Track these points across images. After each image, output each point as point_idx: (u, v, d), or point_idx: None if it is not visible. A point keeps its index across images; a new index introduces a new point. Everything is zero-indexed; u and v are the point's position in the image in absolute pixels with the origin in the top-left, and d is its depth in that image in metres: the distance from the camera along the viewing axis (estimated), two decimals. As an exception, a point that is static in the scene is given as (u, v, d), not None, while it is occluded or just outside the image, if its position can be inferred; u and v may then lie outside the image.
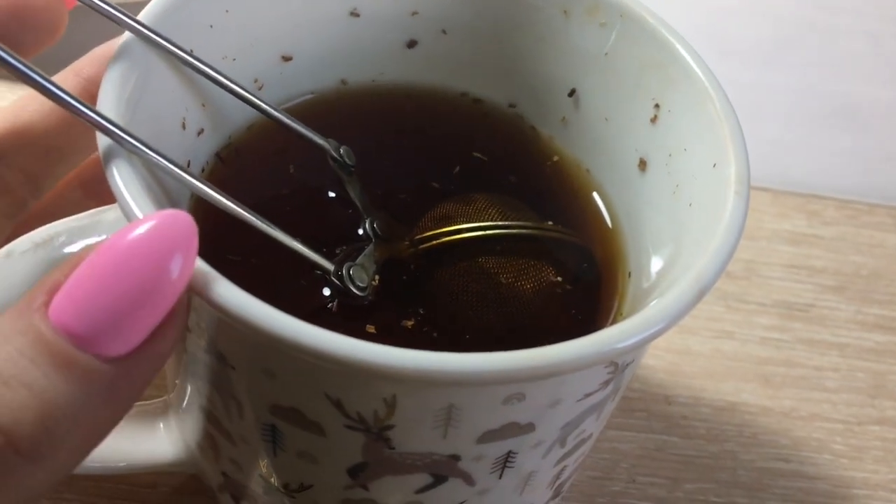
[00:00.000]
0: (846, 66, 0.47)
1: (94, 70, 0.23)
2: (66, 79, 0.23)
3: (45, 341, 0.16)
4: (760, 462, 0.32)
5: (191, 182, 0.20)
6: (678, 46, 0.23)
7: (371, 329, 0.22)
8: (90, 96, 0.20)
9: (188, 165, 0.23)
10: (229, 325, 0.18)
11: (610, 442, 0.31)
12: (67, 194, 0.25)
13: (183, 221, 0.16)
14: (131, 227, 0.16)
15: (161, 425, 0.26)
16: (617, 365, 0.20)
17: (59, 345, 0.16)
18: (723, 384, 0.33)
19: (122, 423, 0.25)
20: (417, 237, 0.25)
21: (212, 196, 0.20)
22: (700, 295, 0.19)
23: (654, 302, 0.19)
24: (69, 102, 0.18)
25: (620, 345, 0.18)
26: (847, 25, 0.50)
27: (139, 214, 0.18)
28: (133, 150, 0.19)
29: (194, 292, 0.17)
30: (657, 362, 0.34)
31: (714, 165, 0.21)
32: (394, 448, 0.20)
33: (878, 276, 0.38)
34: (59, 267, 0.17)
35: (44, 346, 0.16)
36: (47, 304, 0.16)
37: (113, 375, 0.16)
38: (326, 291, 0.23)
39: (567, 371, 0.18)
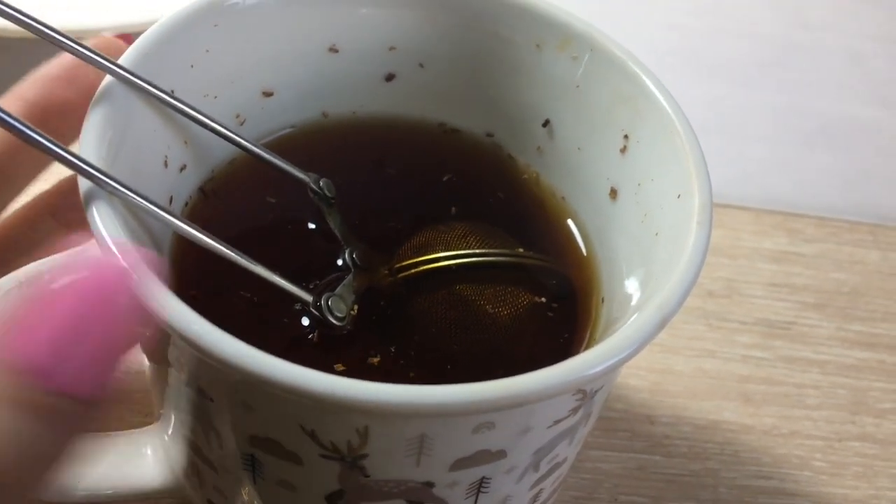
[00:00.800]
0: (827, 84, 0.48)
1: (35, 93, 0.23)
2: (9, 103, 0.23)
3: None
4: (742, 480, 0.32)
5: (170, 221, 0.20)
6: (646, 80, 0.24)
7: (348, 360, 0.23)
8: (36, 121, 0.20)
9: (170, 201, 0.24)
10: (205, 361, 0.18)
11: (592, 462, 0.32)
12: (39, 224, 0.25)
13: (112, 271, 0.17)
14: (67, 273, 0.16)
15: (148, 452, 0.26)
16: (585, 392, 0.21)
17: None
18: (705, 403, 0.34)
19: (109, 450, 0.26)
20: (397, 266, 0.26)
21: (191, 234, 0.21)
22: (662, 324, 0.19)
23: (619, 331, 0.20)
24: (48, 147, 0.19)
25: (584, 374, 0.19)
26: (828, 43, 0.50)
27: (118, 255, 0.18)
28: (113, 192, 0.20)
29: (170, 329, 0.18)
30: (640, 382, 0.34)
31: (679, 196, 0.22)
32: (369, 476, 0.20)
33: (859, 293, 0.38)
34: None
35: None
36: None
37: (71, 412, 0.16)
38: (306, 322, 0.24)
39: (533, 401, 0.18)
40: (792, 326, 0.37)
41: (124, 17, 0.38)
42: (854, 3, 0.53)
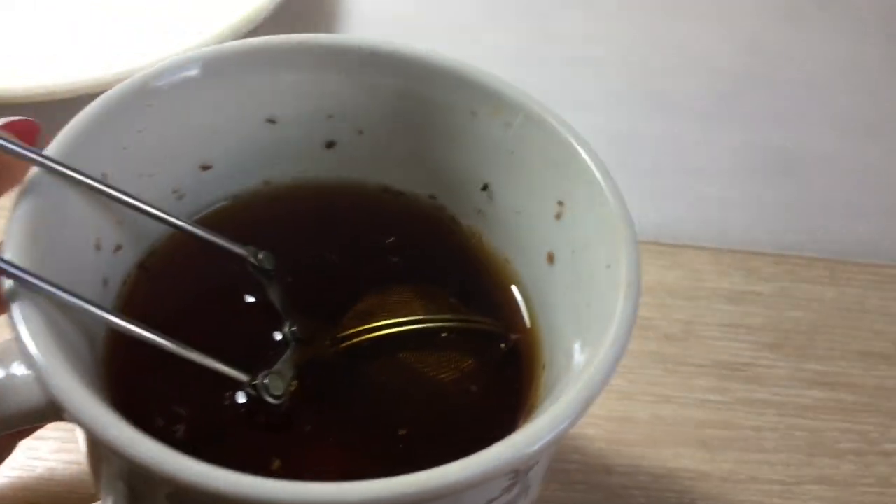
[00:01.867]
0: (784, 116, 0.48)
1: None
2: None
3: None
4: (700, 528, 0.32)
5: (98, 314, 0.20)
6: (576, 146, 0.24)
7: (285, 440, 0.23)
8: None
9: (105, 283, 0.24)
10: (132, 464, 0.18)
11: (550, 516, 0.32)
12: None
13: None
14: None
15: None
16: (518, 471, 0.21)
17: None
18: (662, 450, 0.34)
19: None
20: (339, 335, 0.26)
21: (119, 325, 0.21)
22: (587, 404, 0.19)
23: (549, 409, 0.20)
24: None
25: (511, 459, 0.19)
26: (785, 76, 0.51)
27: (34, 355, 0.18)
28: (38, 291, 0.20)
29: (88, 431, 0.18)
30: (597, 431, 0.34)
31: (608, 266, 0.22)
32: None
33: (816, 330, 0.38)
34: None
35: None
36: None
37: None
38: (244, 401, 0.24)
39: (463, 490, 0.18)
40: (749, 367, 0.37)
41: (61, 78, 0.38)
42: (809, 33, 0.54)
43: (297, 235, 0.28)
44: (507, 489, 0.21)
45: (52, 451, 0.31)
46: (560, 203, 0.25)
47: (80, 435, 0.22)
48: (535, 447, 0.19)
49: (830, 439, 0.35)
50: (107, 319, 0.21)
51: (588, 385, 0.19)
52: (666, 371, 0.36)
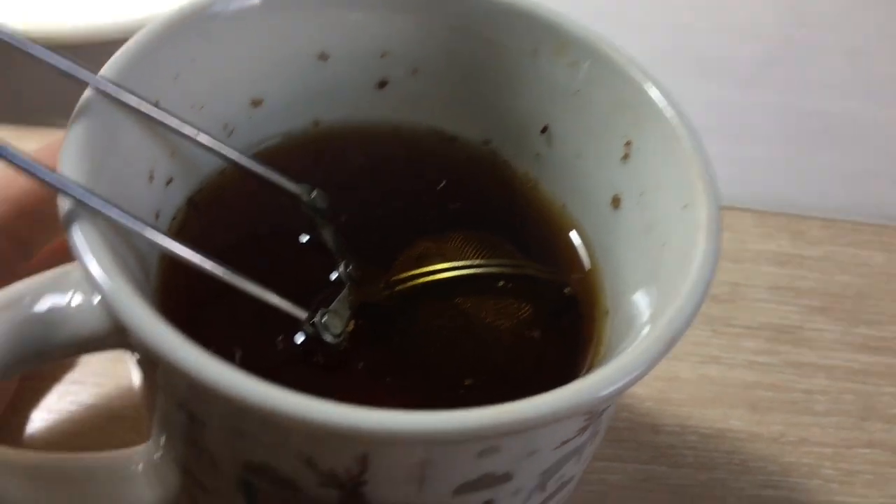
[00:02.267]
0: (828, 83, 0.47)
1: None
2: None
3: None
4: (750, 490, 0.31)
5: (156, 239, 0.20)
6: (647, 85, 0.23)
7: (344, 380, 0.22)
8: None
9: (157, 216, 0.23)
10: (196, 387, 0.18)
11: (597, 473, 0.31)
12: (42, 261, 0.25)
13: None
14: None
15: (141, 473, 0.26)
16: (593, 412, 0.20)
17: None
18: (710, 410, 0.33)
19: (98, 470, 0.25)
20: (393, 279, 0.25)
21: (177, 252, 0.20)
22: (672, 342, 0.19)
23: (627, 351, 0.19)
24: (27, 165, 0.18)
25: (595, 396, 0.18)
26: (828, 42, 0.50)
27: (101, 279, 0.17)
28: (96, 211, 0.19)
29: (155, 355, 0.17)
30: (644, 390, 0.33)
31: (684, 206, 0.21)
32: (369, 503, 0.19)
33: (864, 295, 0.37)
34: None
35: None
36: None
37: None
38: (301, 339, 0.23)
39: (541, 426, 0.18)
40: (797, 330, 0.36)
41: (106, 20, 0.37)
42: (853, 1, 0.53)
43: (345, 177, 0.27)
44: (581, 430, 0.20)
45: (90, 397, 0.31)
46: (627, 144, 0.24)
47: (134, 368, 0.22)
48: (617, 385, 0.18)
49: (882, 403, 0.34)
50: (169, 247, 0.20)
51: (672, 321, 0.19)
52: (713, 332, 0.35)
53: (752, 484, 0.31)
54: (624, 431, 0.32)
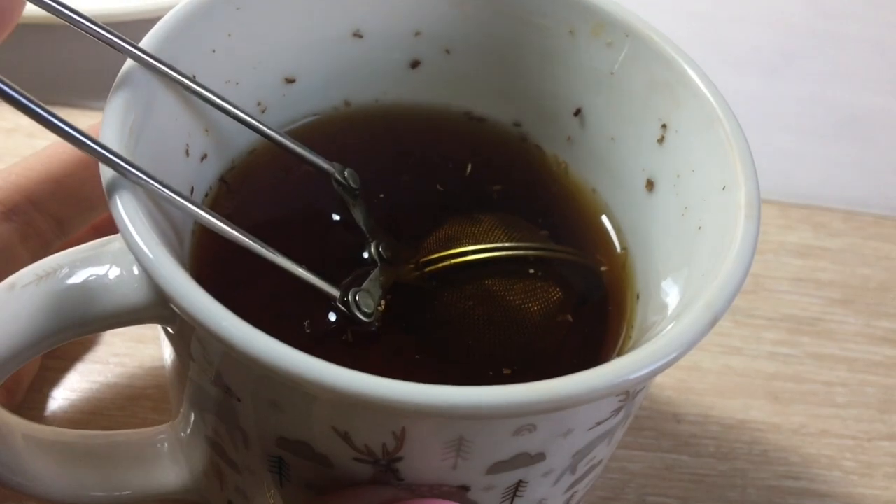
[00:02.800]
0: (853, 75, 0.47)
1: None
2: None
3: None
4: (771, 480, 0.31)
5: (194, 211, 0.20)
6: (686, 66, 0.23)
7: (377, 358, 0.22)
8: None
9: (192, 192, 0.23)
10: (234, 357, 0.18)
11: (619, 462, 0.31)
12: (82, 237, 0.25)
13: None
14: None
15: (166, 452, 0.26)
16: (629, 393, 0.20)
17: None
18: (731, 401, 0.33)
19: (123, 449, 0.25)
20: (423, 260, 0.25)
21: (215, 224, 0.20)
22: (712, 322, 0.18)
23: (667, 330, 0.19)
24: (70, 133, 0.18)
25: (633, 376, 0.18)
26: (852, 34, 0.49)
27: (144, 249, 0.17)
28: (136, 181, 0.19)
29: (198, 324, 0.17)
30: (666, 380, 0.33)
31: (724, 188, 0.21)
32: (402, 479, 0.19)
33: (886, 288, 0.37)
34: None
35: None
36: None
37: None
38: (332, 317, 0.23)
39: (580, 404, 0.17)
40: (819, 323, 0.36)
41: (146, 1, 0.37)
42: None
43: (376, 157, 0.27)
44: (616, 412, 0.20)
45: (112, 376, 0.31)
46: (664, 126, 0.24)
47: (166, 344, 0.22)
48: (656, 365, 0.18)
49: (903, 397, 0.34)
50: (209, 218, 0.20)
51: (712, 303, 0.19)
52: (735, 323, 0.35)
53: (772, 475, 0.31)
54: (646, 420, 0.32)
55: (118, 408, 0.30)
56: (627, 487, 0.30)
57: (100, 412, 0.30)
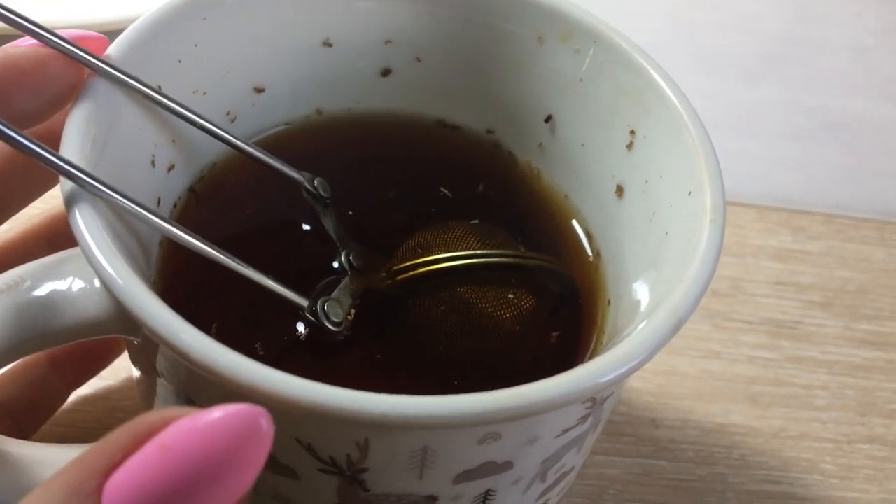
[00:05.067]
0: (831, 79, 0.47)
1: None
2: None
3: None
4: (750, 485, 0.31)
5: (157, 223, 0.19)
6: (653, 73, 0.23)
7: (345, 368, 0.22)
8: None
9: (158, 203, 0.23)
10: (195, 370, 0.17)
11: (597, 468, 0.31)
12: (35, 251, 0.24)
13: (261, 417, 0.15)
14: (207, 414, 0.14)
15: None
16: (595, 399, 0.20)
17: None
18: (711, 405, 0.33)
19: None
20: (395, 268, 0.25)
21: (178, 236, 0.20)
22: (676, 327, 0.18)
23: (631, 336, 0.19)
24: (28, 147, 0.18)
25: (597, 382, 0.18)
26: (832, 38, 0.50)
27: (102, 262, 0.17)
28: (97, 194, 0.19)
29: (155, 336, 0.17)
30: (644, 385, 0.33)
31: (689, 193, 0.21)
32: (369, 490, 0.19)
33: (865, 291, 0.37)
34: (116, 436, 0.14)
35: None
36: (100, 488, 0.14)
37: None
38: (301, 328, 0.23)
39: (543, 411, 0.17)
40: (798, 326, 0.36)
41: (109, 13, 0.37)
42: (855, -5, 0.53)
43: (348, 167, 0.27)
44: (583, 419, 0.20)
45: (88, 388, 0.31)
46: (632, 132, 0.24)
47: (133, 355, 0.22)
48: (620, 370, 0.18)
49: (882, 399, 0.34)
50: (173, 230, 0.19)
51: (677, 308, 0.19)
52: (714, 327, 0.35)
53: (752, 479, 0.31)
54: (624, 426, 0.32)
55: (94, 420, 0.30)
56: (605, 493, 0.30)
57: (75, 425, 0.30)
